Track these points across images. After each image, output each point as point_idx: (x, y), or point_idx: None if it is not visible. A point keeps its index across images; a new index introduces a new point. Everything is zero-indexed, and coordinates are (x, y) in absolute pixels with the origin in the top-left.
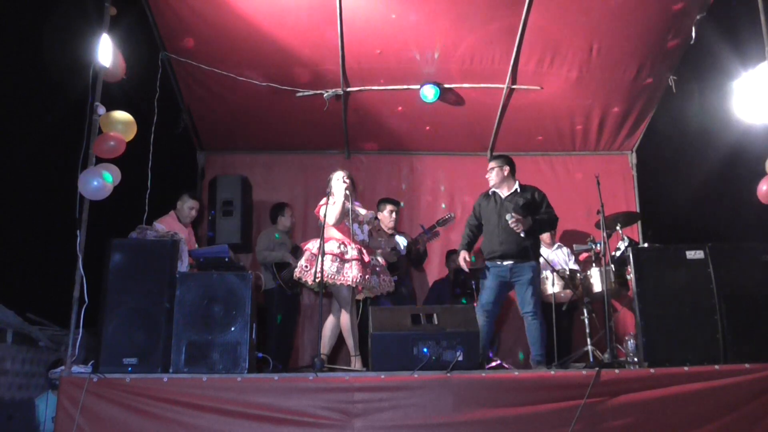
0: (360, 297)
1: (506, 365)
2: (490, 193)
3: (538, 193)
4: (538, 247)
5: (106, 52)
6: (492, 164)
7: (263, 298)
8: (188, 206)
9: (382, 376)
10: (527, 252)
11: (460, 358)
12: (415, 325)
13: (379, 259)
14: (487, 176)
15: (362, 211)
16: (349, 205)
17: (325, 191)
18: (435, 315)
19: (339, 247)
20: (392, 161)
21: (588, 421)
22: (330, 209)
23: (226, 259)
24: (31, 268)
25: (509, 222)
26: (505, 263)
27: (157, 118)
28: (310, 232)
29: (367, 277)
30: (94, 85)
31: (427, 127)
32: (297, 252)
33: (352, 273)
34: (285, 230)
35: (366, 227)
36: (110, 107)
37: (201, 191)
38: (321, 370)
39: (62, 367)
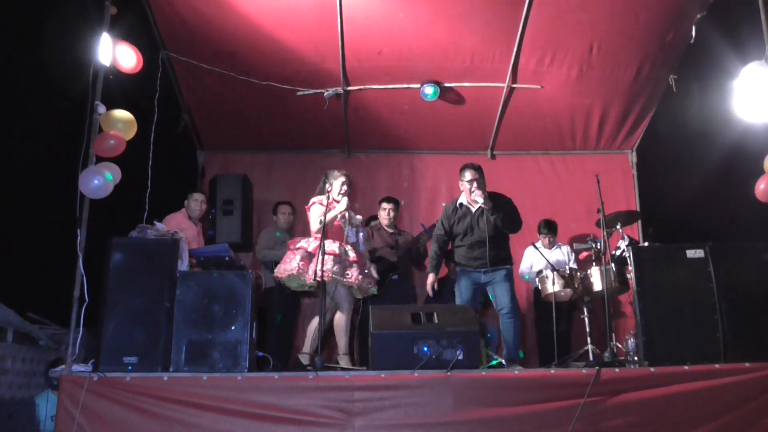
0: (360, 296)
1: (506, 364)
2: (457, 205)
3: (504, 198)
4: (510, 255)
5: (108, 50)
6: (474, 174)
7: (263, 297)
8: (194, 199)
9: (383, 375)
10: (502, 260)
11: (460, 357)
12: (415, 324)
13: (367, 263)
14: (466, 187)
15: (355, 216)
16: (346, 213)
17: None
18: (435, 314)
19: (339, 247)
20: (392, 160)
21: (588, 420)
22: (320, 213)
23: (227, 258)
24: (31, 267)
25: (471, 193)
26: (476, 270)
27: (157, 117)
28: (309, 231)
29: (364, 279)
30: (95, 84)
31: (429, 124)
32: None
33: (354, 274)
34: (285, 229)
35: (355, 230)
36: (110, 106)
37: (201, 190)
38: (321, 369)
39: (62, 366)
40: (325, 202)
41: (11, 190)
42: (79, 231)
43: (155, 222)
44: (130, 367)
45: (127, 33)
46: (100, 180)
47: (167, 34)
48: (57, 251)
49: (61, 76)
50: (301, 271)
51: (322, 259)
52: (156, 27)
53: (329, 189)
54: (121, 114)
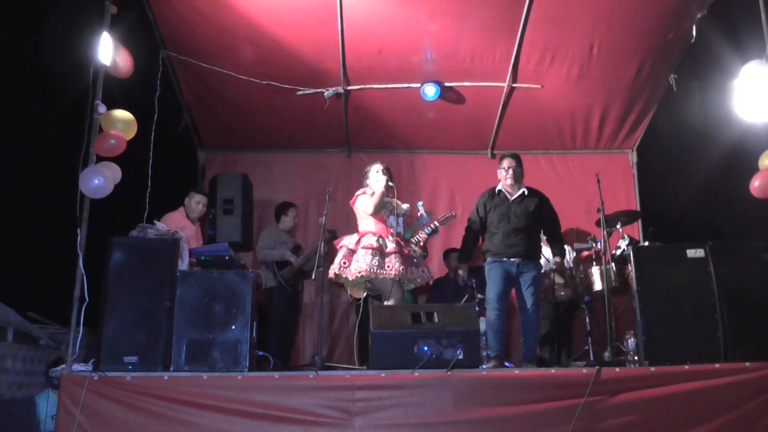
0: (360, 296)
1: (507, 364)
2: (496, 191)
3: (544, 198)
4: (540, 248)
5: (107, 50)
6: (511, 162)
7: (264, 296)
8: (195, 201)
9: (383, 375)
10: (533, 253)
11: (461, 357)
12: (415, 324)
13: (416, 249)
14: (503, 174)
15: (398, 203)
16: (387, 197)
17: (325, 189)
18: (435, 314)
19: (377, 240)
20: (392, 160)
21: (588, 419)
22: (368, 200)
23: (227, 258)
24: (32, 266)
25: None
26: (512, 259)
27: (157, 117)
28: (310, 231)
29: (408, 269)
30: (95, 83)
31: (430, 124)
32: (298, 251)
33: (394, 266)
34: (287, 230)
35: (401, 220)
36: (111, 106)
37: (202, 190)
38: (322, 369)
39: (63, 366)
40: (369, 191)
41: (11, 190)
42: (79, 230)
43: (155, 221)
44: (130, 367)
45: (127, 33)
46: (100, 180)
47: (167, 33)
48: (57, 251)
49: (61, 76)
50: (342, 268)
51: (321, 253)
52: (156, 27)
53: (368, 182)
54: (122, 114)
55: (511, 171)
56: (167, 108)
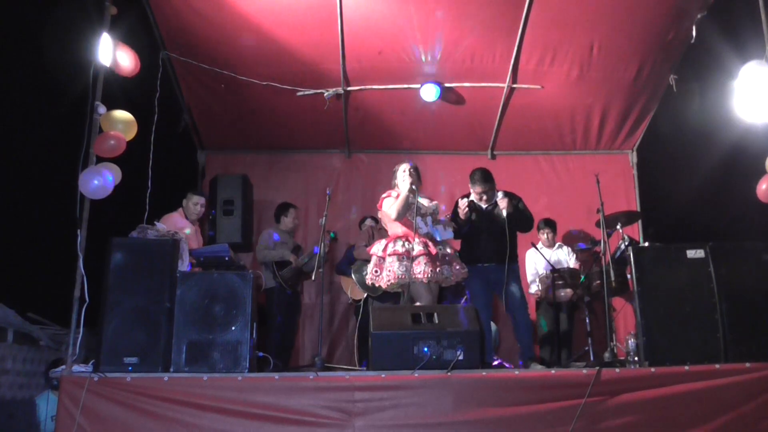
0: (360, 297)
1: (507, 364)
2: (468, 201)
3: (515, 198)
4: (516, 249)
5: (107, 50)
6: (483, 187)
7: (264, 297)
8: (193, 202)
9: (383, 376)
10: (510, 254)
11: (461, 358)
12: (415, 325)
13: (448, 249)
14: (478, 198)
15: (425, 203)
16: (412, 199)
17: (325, 190)
18: (435, 314)
19: (404, 244)
20: (393, 160)
21: (588, 420)
22: (392, 204)
23: (227, 258)
24: (31, 267)
25: (498, 198)
26: (486, 264)
27: (157, 118)
28: (310, 232)
29: (438, 269)
30: (95, 84)
31: (430, 124)
32: (299, 251)
33: (421, 269)
34: (287, 230)
35: (429, 219)
36: (111, 106)
37: (201, 190)
38: (321, 370)
39: (63, 367)
40: (393, 194)
41: (11, 190)
42: (79, 231)
43: (155, 222)
44: (130, 368)
45: (127, 33)
46: (100, 180)
47: (167, 34)
48: (57, 251)
49: (61, 76)
50: (374, 277)
51: (321, 254)
52: (156, 27)
53: (396, 183)
54: (122, 114)
55: (485, 196)
56: (167, 108)
